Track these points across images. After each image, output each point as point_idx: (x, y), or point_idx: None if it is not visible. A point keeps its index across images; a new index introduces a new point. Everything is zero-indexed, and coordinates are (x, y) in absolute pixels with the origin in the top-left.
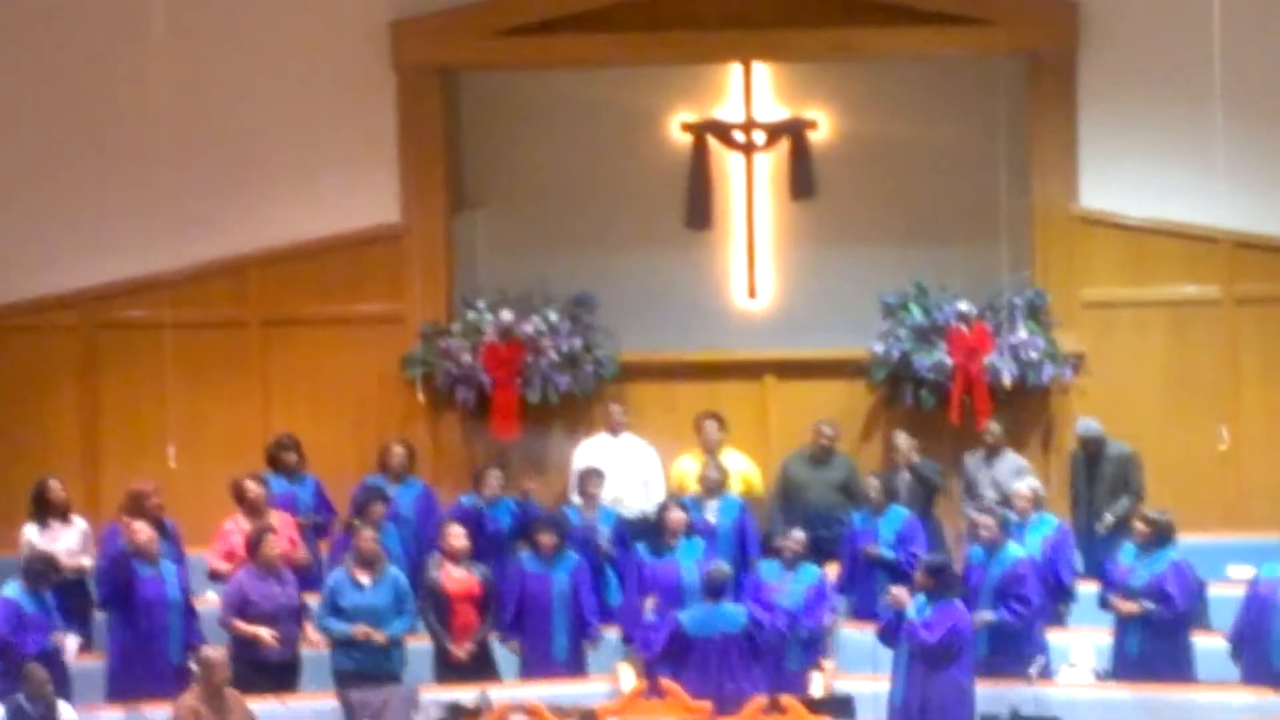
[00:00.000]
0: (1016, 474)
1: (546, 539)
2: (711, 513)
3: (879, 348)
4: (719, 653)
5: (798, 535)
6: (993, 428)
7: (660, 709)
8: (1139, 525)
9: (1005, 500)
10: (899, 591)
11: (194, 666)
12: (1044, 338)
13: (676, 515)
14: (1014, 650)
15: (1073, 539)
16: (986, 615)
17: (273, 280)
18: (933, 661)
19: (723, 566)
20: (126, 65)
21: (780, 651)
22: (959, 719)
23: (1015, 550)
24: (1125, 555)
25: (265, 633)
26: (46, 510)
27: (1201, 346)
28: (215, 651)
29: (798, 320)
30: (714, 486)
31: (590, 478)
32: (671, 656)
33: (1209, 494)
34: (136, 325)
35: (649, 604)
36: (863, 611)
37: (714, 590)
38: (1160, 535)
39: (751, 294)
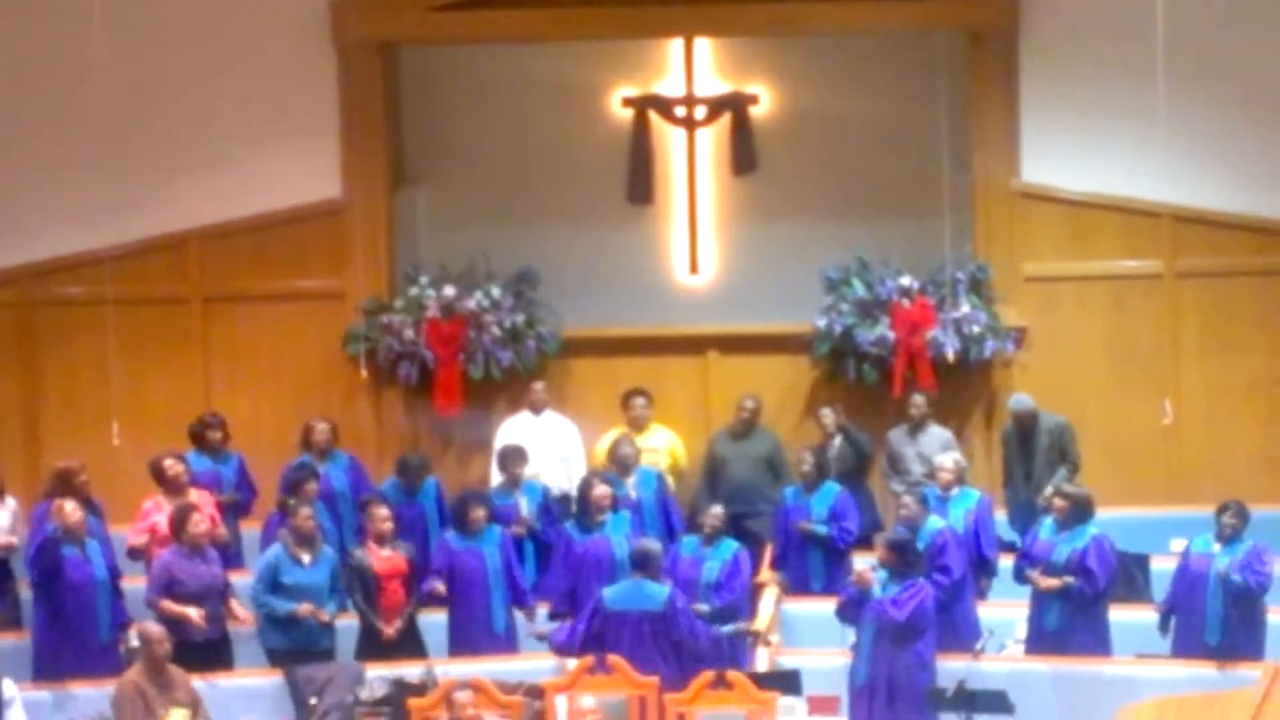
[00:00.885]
0: (944, 447)
1: (478, 514)
2: (632, 488)
3: (821, 322)
4: (633, 630)
5: (716, 510)
6: (917, 400)
7: (607, 684)
8: (1057, 501)
9: (932, 474)
10: (865, 571)
11: (133, 643)
12: (986, 312)
13: (600, 490)
14: (948, 624)
15: (993, 512)
16: None
17: (213, 256)
18: (899, 639)
19: (649, 542)
20: (66, 41)
21: (694, 643)
22: (919, 693)
23: (934, 523)
24: (1044, 530)
25: (194, 612)
26: None
27: (1143, 321)
28: (155, 626)
29: (740, 295)
30: (626, 462)
31: (511, 456)
32: (592, 635)
33: (1150, 468)
34: (76, 302)
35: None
36: (799, 587)
37: (638, 564)
38: (1079, 510)
39: (693, 269)
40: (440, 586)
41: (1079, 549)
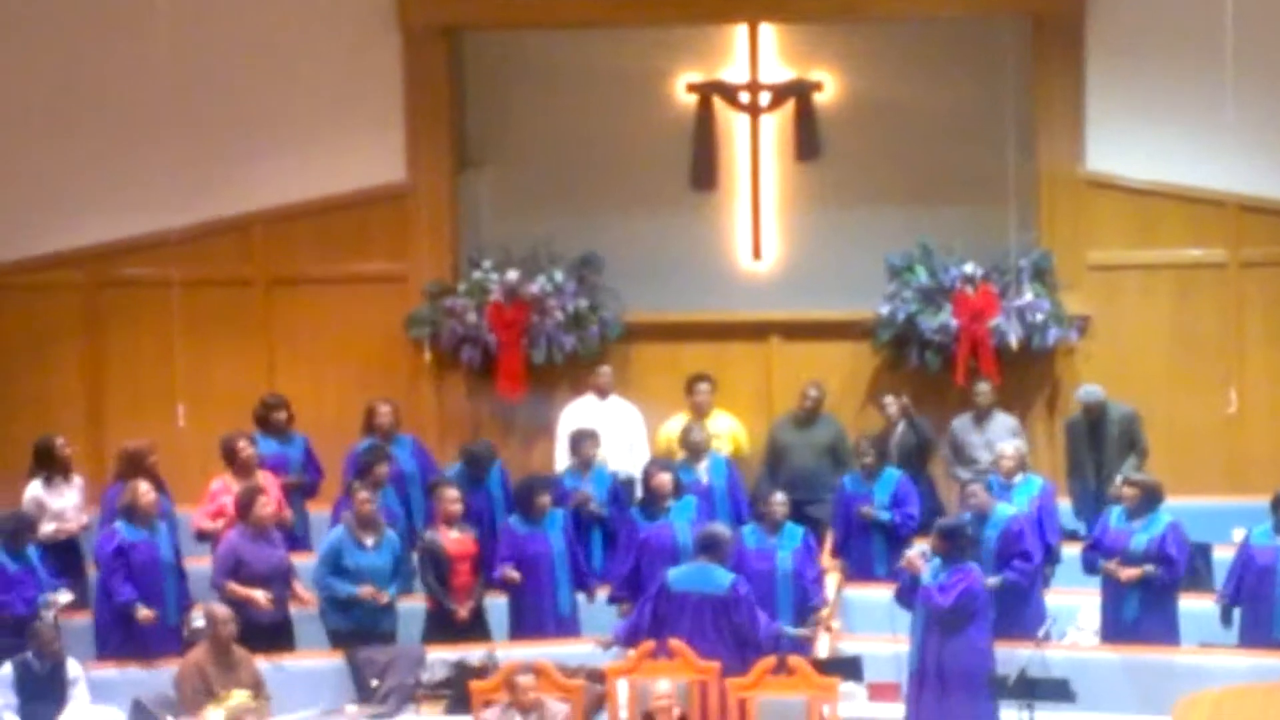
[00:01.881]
0: (1010, 435)
1: (544, 500)
2: (703, 473)
3: (884, 309)
4: (693, 612)
5: (780, 498)
6: (982, 388)
7: (668, 669)
8: (1127, 490)
9: (996, 461)
10: (914, 556)
11: (196, 624)
12: (1050, 300)
13: (662, 478)
14: (1016, 611)
15: (1056, 499)
16: (990, 580)
17: (278, 239)
18: (949, 625)
19: (718, 526)
20: (132, 24)
21: (753, 634)
22: (976, 680)
23: (1006, 509)
24: (1113, 519)
25: (260, 594)
26: (52, 467)
27: (1207, 310)
28: (221, 607)
29: (803, 281)
30: (697, 448)
31: (585, 440)
32: (656, 617)
33: (1213, 457)
34: (142, 283)
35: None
36: (860, 573)
37: (704, 548)
38: (1150, 497)
39: (756, 255)
40: (514, 574)
41: (1156, 536)
